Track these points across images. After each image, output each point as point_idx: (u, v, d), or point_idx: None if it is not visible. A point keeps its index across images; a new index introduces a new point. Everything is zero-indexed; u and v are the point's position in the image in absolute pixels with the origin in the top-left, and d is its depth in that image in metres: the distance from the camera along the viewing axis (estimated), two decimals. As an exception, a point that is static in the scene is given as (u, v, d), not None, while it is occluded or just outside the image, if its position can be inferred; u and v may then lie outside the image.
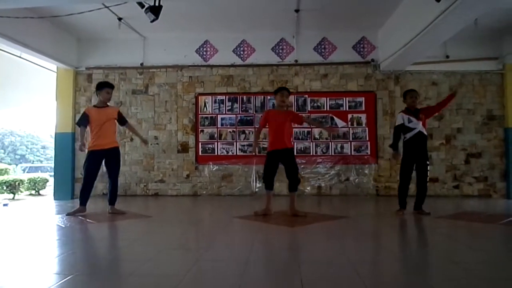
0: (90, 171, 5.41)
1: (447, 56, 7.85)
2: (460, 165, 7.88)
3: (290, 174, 5.22)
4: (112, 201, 5.54)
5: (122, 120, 5.73)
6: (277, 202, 6.83)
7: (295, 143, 7.99)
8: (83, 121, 5.43)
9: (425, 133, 5.40)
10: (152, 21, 5.61)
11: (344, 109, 8.05)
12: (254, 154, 5.33)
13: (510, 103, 7.79)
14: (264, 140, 8.01)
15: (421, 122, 5.36)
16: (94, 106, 5.63)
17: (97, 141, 5.38)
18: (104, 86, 5.51)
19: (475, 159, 7.88)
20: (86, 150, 5.45)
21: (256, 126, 8.06)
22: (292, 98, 8.01)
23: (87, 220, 4.97)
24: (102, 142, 5.39)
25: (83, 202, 5.45)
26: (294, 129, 7.95)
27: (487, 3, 4.91)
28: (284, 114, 5.38)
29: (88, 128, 5.50)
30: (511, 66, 7.82)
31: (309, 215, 5.20)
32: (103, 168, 5.54)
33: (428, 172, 5.39)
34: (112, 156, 5.51)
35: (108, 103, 5.63)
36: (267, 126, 5.42)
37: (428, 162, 5.39)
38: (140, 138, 5.96)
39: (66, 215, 5.34)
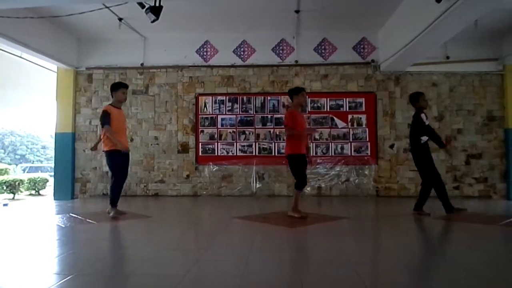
0: (124, 170, 5.40)
1: (447, 57, 7.85)
2: (460, 166, 7.88)
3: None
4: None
5: None
6: (277, 203, 6.84)
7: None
8: (108, 119, 5.22)
9: None
10: (152, 22, 5.61)
11: (344, 110, 8.05)
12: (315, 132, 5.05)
13: (510, 104, 7.78)
14: (264, 140, 8.04)
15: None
16: (112, 105, 5.46)
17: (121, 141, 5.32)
18: (120, 87, 5.44)
19: (475, 160, 7.88)
20: (104, 150, 5.36)
21: (256, 127, 8.08)
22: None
23: (87, 220, 4.97)
24: (123, 142, 5.36)
25: (117, 203, 5.38)
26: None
27: (487, 4, 4.91)
28: (304, 116, 5.32)
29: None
30: (511, 67, 7.82)
31: (309, 216, 5.19)
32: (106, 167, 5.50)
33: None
34: (128, 157, 5.51)
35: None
36: None
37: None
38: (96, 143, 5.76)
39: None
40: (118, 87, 5.43)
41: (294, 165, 5.06)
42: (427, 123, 5.30)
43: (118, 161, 5.27)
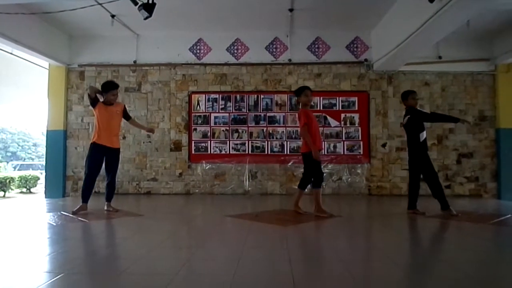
0: (92, 164, 5.48)
1: (440, 57, 7.90)
2: (451, 165, 7.94)
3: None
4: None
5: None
6: (269, 201, 6.84)
7: (288, 142, 8.02)
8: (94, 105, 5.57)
9: None
10: (145, 19, 5.58)
11: (337, 109, 8.08)
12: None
13: (502, 104, 7.86)
14: (257, 138, 8.04)
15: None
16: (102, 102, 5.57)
17: None
18: (110, 89, 5.46)
19: (467, 159, 7.95)
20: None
21: (250, 125, 8.08)
22: (285, 98, 8.04)
23: (79, 218, 4.94)
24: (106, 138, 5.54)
25: (84, 198, 5.49)
26: (287, 128, 7.98)
27: (480, 5, 4.95)
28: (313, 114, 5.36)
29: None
30: (503, 67, 7.91)
31: (302, 214, 5.21)
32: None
33: None
34: (105, 153, 5.56)
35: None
36: None
37: None
38: None
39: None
40: (108, 90, 5.43)
41: (311, 163, 5.10)
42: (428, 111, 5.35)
43: (94, 152, 5.42)
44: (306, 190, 5.33)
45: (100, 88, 5.49)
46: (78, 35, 8.28)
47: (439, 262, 2.93)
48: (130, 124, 6.01)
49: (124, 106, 5.80)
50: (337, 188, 7.94)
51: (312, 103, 7.97)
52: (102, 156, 5.46)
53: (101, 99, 5.49)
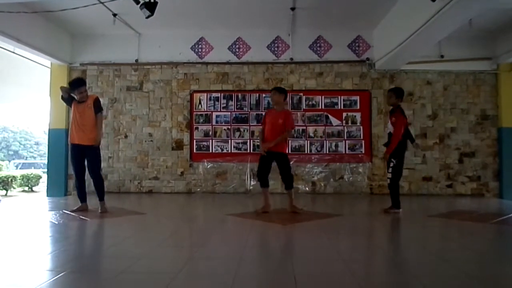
0: (73, 162, 5.49)
1: (442, 56, 7.87)
2: (453, 164, 7.92)
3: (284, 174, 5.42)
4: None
5: None
6: (271, 200, 6.83)
7: (290, 141, 7.99)
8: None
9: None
10: (147, 17, 5.58)
11: (339, 108, 8.06)
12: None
13: (504, 103, 7.83)
14: (258, 137, 8.03)
15: (389, 123, 5.40)
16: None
17: None
18: (78, 86, 5.38)
19: (469, 158, 7.92)
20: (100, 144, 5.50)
21: (251, 124, 8.08)
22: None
23: (80, 217, 4.95)
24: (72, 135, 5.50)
25: (80, 198, 5.51)
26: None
27: (482, 3, 4.93)
28: (278, 113, 5.37)
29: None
30: (505, 66, 7.87)
31: (303, 213, 5.21)
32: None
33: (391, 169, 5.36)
34: (79, 150, 5.45)
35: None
36: None
37: (393, 160, 5.30)
38: None
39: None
40: (74, 88, 5.37)
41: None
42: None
43: (70, 153, 5.47)
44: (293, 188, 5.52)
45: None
46: (80, 34, 8.28)
47: (440, 261, 2.93)
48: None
49: (96, 98, 5.49)
50: (338, 187, 7.94)
51: (314, 102, 8.02)
52: (79, 154, 5.35)
53: (77, 97, 5.42)
